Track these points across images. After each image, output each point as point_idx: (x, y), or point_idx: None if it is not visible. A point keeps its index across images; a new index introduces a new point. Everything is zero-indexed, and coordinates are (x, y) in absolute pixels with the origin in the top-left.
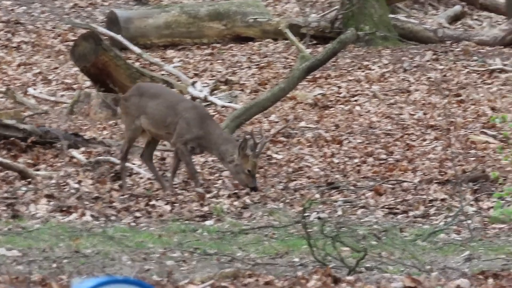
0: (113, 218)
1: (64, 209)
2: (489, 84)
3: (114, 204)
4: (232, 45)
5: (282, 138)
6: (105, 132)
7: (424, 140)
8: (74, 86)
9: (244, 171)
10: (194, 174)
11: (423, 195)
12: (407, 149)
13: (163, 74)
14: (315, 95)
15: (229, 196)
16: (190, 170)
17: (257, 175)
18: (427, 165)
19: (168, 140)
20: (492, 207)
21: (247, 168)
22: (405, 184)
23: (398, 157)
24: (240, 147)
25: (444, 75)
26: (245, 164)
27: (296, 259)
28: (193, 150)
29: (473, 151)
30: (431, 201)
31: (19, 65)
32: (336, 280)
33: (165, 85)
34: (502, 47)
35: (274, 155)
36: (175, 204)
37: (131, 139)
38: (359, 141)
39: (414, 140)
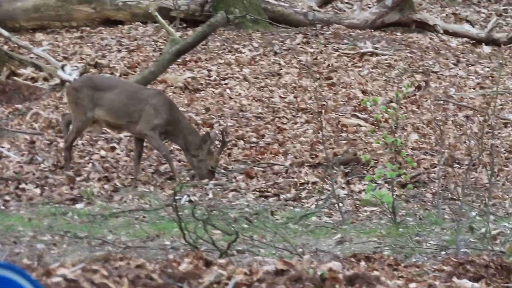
0: None
1: None
2: (360, 67)
3: None
4: (101, 28)
5: None
6: None
7: (295, 123)
8: None
9: (208, 167)
10: (168, 155)
11: (294, 178)
12: (278, 132)
13: (32, 57)
14: (185, 78)
15: (99, 180)
16: (163, 152)
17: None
18: (298, 148)
19: (130, 129)
20: (363, 190)
21: (210, 164)
22: (276, 167)
23: (269, 140)
24: (203, 140)
25: (315, 58)
26: (210, 160)
27: (167, 242)
28: (160, 136)
29: (344, 134)
30: (302, 184)
31: None
32: (208, 263)
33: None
34: (372, 30)
35: None
36: (45, 188)
37: (80, 130)
38: (230, 124)
39: (285, 123)
